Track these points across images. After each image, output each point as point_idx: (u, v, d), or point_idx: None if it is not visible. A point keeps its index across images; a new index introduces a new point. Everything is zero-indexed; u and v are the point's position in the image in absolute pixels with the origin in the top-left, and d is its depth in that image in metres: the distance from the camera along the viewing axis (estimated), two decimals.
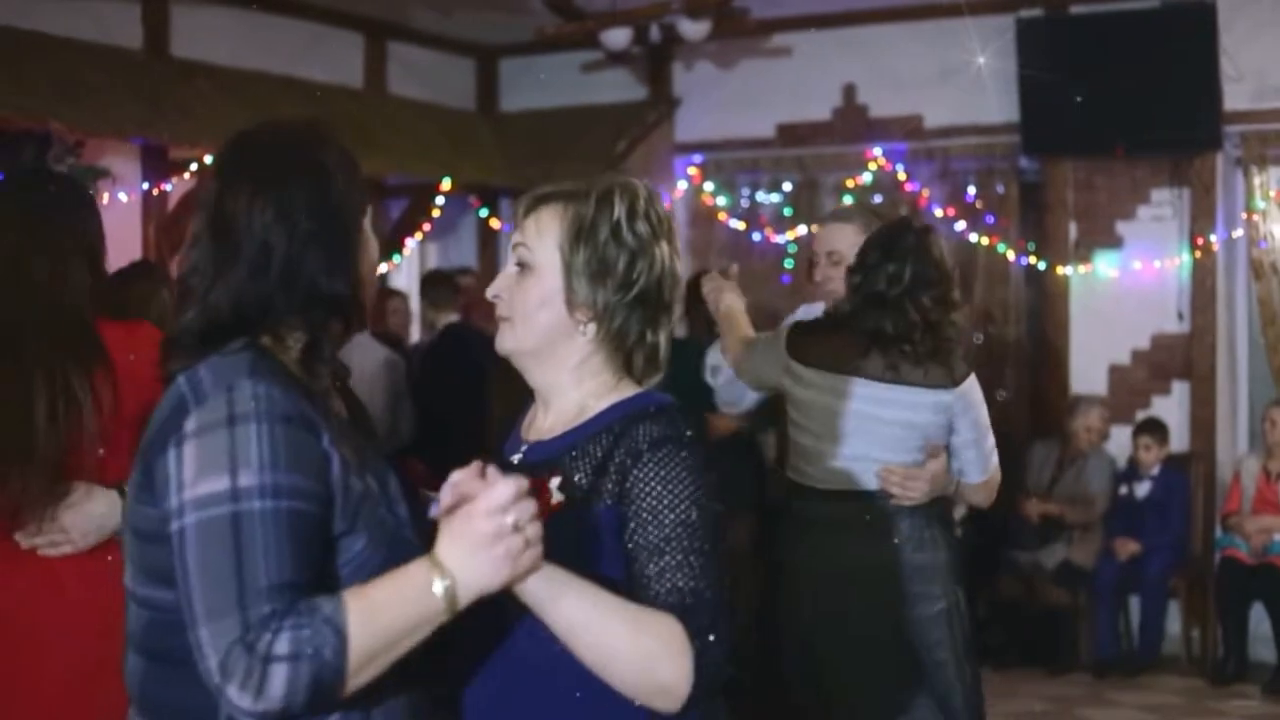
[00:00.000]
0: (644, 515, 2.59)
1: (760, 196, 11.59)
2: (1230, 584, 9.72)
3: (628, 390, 2.79)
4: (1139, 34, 10.14)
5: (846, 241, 5.23)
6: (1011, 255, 10.78)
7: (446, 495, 2.35)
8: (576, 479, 2.64)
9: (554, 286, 2.74)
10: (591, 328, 2.75)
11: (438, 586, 2.28)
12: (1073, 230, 10.66)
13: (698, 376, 5.81)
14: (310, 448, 2.37)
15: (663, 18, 10.42)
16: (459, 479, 2.35)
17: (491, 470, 2.33)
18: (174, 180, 9.68)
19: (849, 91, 11.36)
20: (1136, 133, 10.15)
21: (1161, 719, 8.88)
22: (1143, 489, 9.98)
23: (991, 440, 5.02)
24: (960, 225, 10.81)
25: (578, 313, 2.74)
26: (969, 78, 10.74)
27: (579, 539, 2.57)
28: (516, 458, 2.80)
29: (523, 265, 2.76)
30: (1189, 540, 10.10)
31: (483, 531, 2.29)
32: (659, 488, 2.60)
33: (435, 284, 9.99)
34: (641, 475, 2.61)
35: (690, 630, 2.51)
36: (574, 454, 2.69)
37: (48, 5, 9.15)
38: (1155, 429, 10.05)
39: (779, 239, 11.40)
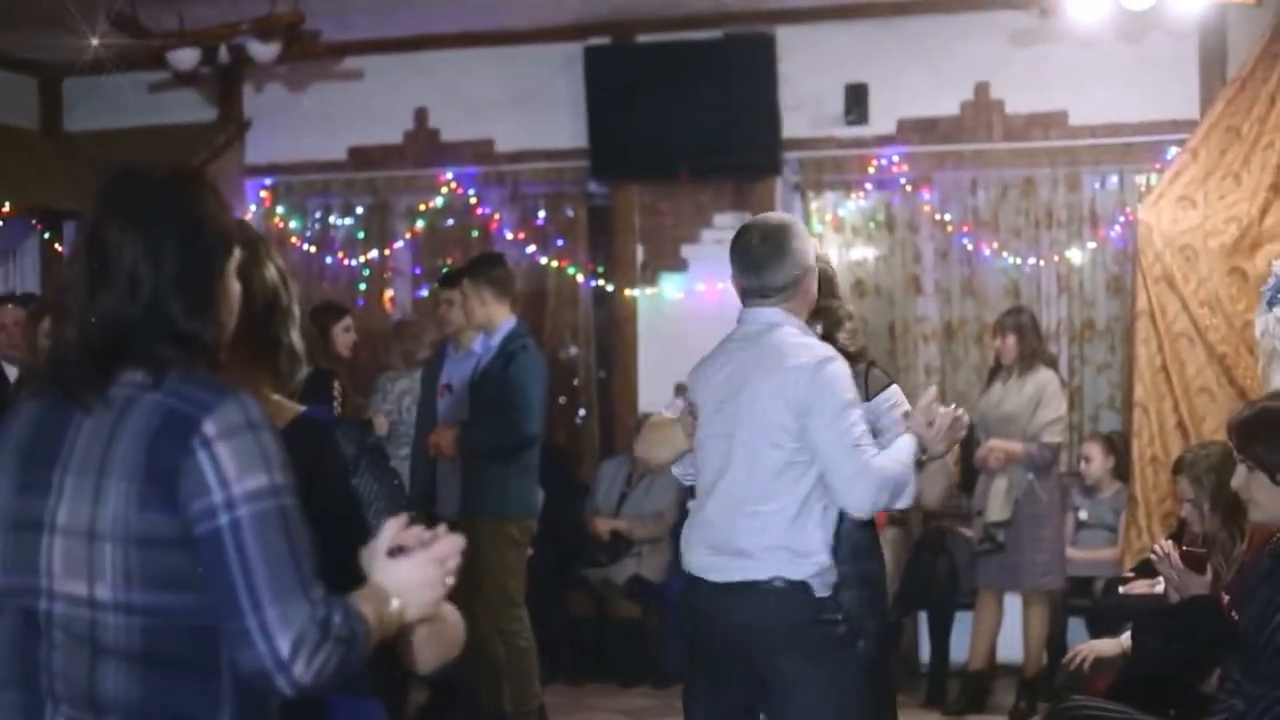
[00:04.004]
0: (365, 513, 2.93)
1: (333, 220, 11.56)
2: None
3: (287, 412, 2.99)
4: (703, 62, 10.47)
5: None
6: (581, 278, 10.98)
7: (391, 535, 2.73)
8: None
9: None
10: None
11: (395, 604, 2.65)
12: (639, 253, 10.92)
13: None
14: None
15: (232, 39, 10.24)
16: (399, 528, 2.74)
17: (441, 529, 2.75)
18: None
19: (420, 115, 11.40)
20: (700, 158, 10.48)
21: None
22: None
23: None
24: (531, 248, 10.99)
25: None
26: (539, 103, 10.95)
27: None
28: None
29: None
30: None
31: (435, 576, 2.71)
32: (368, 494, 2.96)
33: None
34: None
35: None
36: None
37: None
38: None
39: (351, 262, 11.38)
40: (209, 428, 2.49)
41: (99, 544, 2.52)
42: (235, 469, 2.47)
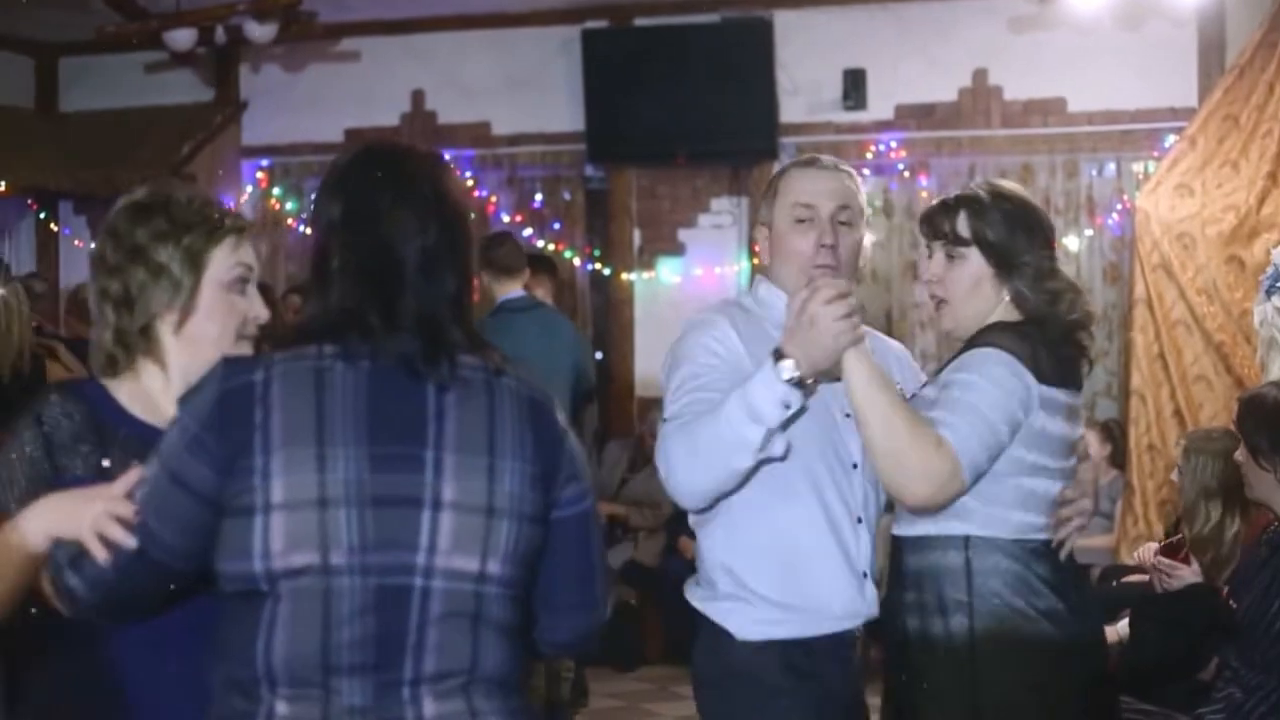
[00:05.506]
0: None
1: None
2: None
3: None
4: (700, 47, 10.46)
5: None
6: (577, 261, 10.98)
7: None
8: None
9: None
10: None
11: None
12: (636, 237, 10.93)
13: None
14: None
15: (228, 19, 10.26)
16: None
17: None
18: None
19: (417, 98, 11.40)
20: (697, 143, 10.47)
21: None
22: None
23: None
24: (528, 232, 10.96)
25: None
26: (536, 86, 10.94)
27: None
28: None
29: None
30: None
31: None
32: None
33: None
34: None
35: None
36: None
37: None
38: None
39: None
40: (559, 418, 2.72)
41: (497, 520, 2.61)
42: (582, 457, 2.75)
